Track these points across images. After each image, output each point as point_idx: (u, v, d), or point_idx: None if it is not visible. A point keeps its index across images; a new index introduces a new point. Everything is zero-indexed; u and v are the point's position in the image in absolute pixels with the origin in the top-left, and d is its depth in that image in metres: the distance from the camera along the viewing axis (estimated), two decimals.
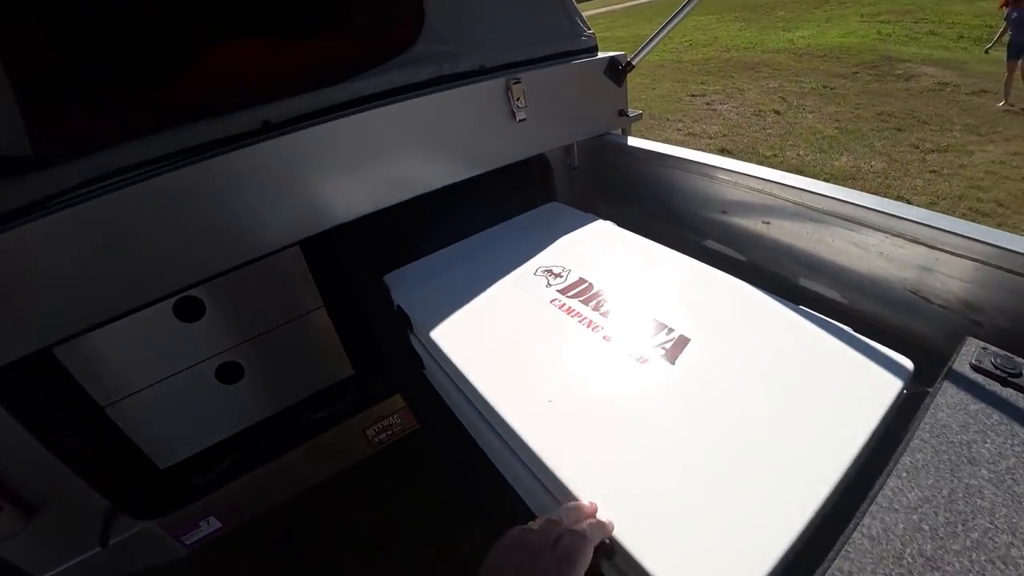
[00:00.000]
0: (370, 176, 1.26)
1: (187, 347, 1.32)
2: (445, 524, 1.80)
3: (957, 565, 0.56)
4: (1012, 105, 6.82)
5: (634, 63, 1.54)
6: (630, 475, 0.68)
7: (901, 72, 9.06)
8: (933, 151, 5.61)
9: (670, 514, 0.63)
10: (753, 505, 0.63)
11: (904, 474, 0.65)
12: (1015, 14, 6.64)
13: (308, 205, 1.20)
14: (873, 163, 5.39)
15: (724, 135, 6.51)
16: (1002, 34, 6.94)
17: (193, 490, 1.48)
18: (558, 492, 0.70)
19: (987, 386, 0.77)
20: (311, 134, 1.15)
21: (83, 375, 1.20)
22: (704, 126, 6.85)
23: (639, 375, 0.82)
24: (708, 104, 7.64)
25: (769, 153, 5.91)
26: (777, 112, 7.01)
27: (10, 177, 0.95)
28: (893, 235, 1.02)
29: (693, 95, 8.13)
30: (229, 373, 1.41)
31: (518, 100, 1.37)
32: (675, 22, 1.39)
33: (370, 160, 1.25)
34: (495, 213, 1.44)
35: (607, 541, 0.61)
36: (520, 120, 1.40)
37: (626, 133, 1.66)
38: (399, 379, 1.64)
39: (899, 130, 6.26)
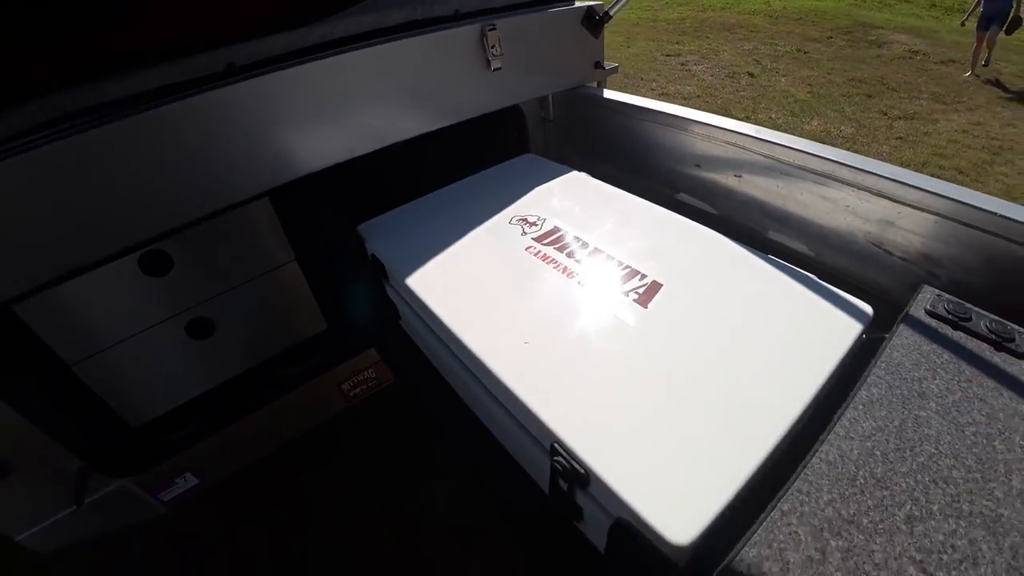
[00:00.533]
0: (340, 124, 1.23)
1: (155, 302, 1.29)
2: (421, 476, 1.84)
3: (903, 485, 0.61)
4: (978, 76, 7.00)
5: (612, 13, 1.52)
6: (604, 410, 0.71)
7: (874, 38, 9.15)
8: (900, 118, 5.75)
9: (642, 445, 0.66)
10: (720, 435, 0.67)
11: (860, 407, 0.70)
12: None
13: (276, 153, 1.17)
14: (843, 128, 5.50)
15: (698, 96, 6.51)
16: (976, 6, 7.03)
17: (168, 447, 1.46)
18: (536, 431, 0.73)
19: (939, 329, 0.82)
20: (278, 78, 1.11)
21: (47, 333, 1.16)
22: (678, 87, 6.83)
23: (612, 318, 0.84)
24: (683, 64, 7.60)
25: (742, 115, 5.95)
26: (751, 74, 7.03)
27: None
28: (859, 189, 1.06)
29: (668, 55, 8.06)
30: (200, 328, 1.39)
31: (493, 48, 1.34)
32: None
33: (340, 107, 1.21)
34: (469, 164, 1.43)
35: (582, 472, 0.64)
36: (495, 69, 1.37)
37: (602, 86, 1.65)
38: (373, 332, 1.64)
39: (869, 96, 6.38)
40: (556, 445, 0.67)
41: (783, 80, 6.87)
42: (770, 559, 0.54)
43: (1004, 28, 6.73)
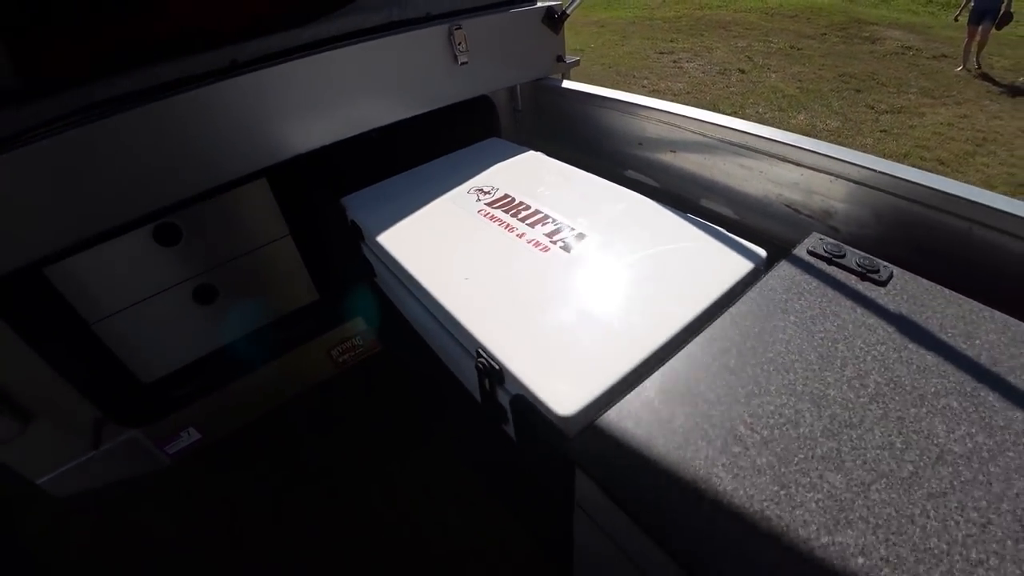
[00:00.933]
0: (327, 111, 1.42)
1: (166, 269, 1.48)
2: (409, 441, 2.04)
3: (750, 372, 0.79)
4: (969, 70, 7.12)
5: (568, 11, 1.71)
6: (519, 324, 0.89)
7: (868, 35, 9.29)
8: (887, 112, 5.89)
9: (546, 345, 0.85)
10: (613, 338, 0.85)
11: (729, 318, 0.87)
12: None
13: (271, 136, 1.36)
14: (828, 122, 5.65)
15: (688, 92, 6.69)
16: (968, 1, 7.16)
17: (173, 402, 1.66)
18: (466, 341, 0.91)
19: (815, 265, 0.99)
20: (274, 73, 1.30)
21: (71, 293, 1.36)
22: (669, 83, 7.01)
23: (540, 260, 1.02)
24: (675, 62, 7.78)
25: (729, 111, 6.12)
26: (742, 71, 7.20)
27: (2, 108, 1.09)
28: (771, 157, 1.24)
29: (661, 52, 8.25)
30: (205, 294, 1.58)
31: (459, 45, 1.53)
32: None
33: (327, 97, 1.41)
34: (443, 147, 1.61)
35: (497, 368, 0.82)
36: (462, 63, 1.56)
37: (565, 77, 1.83)
38: (359, 301, 1.82)
39: (858, 91, 6.53)
40: (479, 350, 0.85)
41: (773, 76, 7.03)
42: (628, 419, 0.72)
43: (995, 23, 6.85)
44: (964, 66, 7.21)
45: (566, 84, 1.74)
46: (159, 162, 1.23)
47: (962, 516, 0.59)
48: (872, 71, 7.32)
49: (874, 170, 1.08)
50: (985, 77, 6.97)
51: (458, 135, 1.67)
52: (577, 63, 1.86)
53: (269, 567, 1.73)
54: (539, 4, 1.69)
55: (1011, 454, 0.64)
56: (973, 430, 0.67)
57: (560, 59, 1.80)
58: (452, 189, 1.32)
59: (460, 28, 1.49)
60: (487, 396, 0.89)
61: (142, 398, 1.61)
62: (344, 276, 1.75)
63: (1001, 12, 6.80)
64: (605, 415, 0.72)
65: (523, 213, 1.17)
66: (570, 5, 1.67)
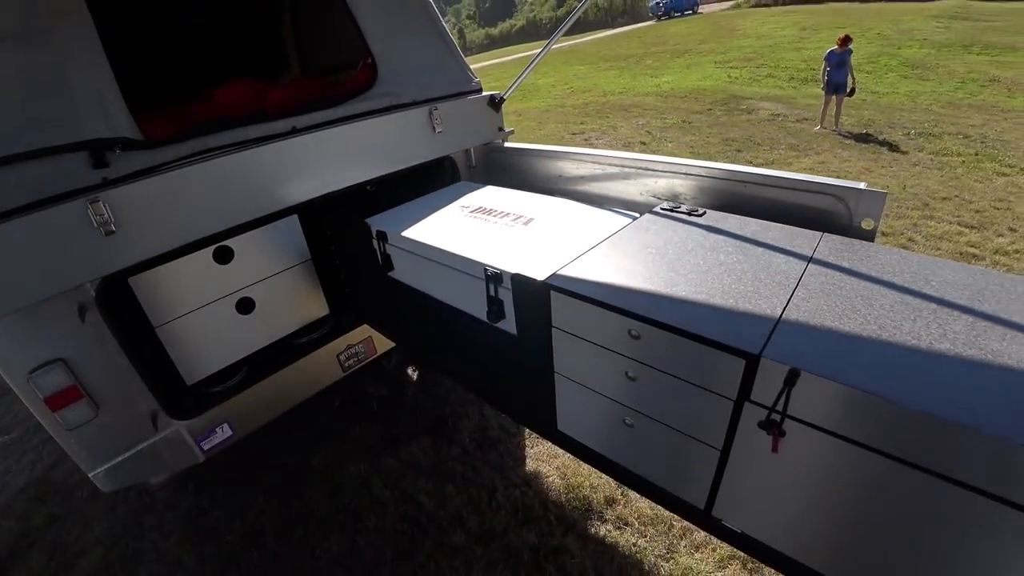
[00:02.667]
0: (345, 165, 2.20)
1: (219, 283, 2.12)
2: (404, 432, 2.67)
3: (631, 251, 1.57)
4: (825, 128, 8.98)
5: (505, 97, 2.63)
6: (507, 256, 1.64)
7: (745, 107, 11.34)
8: (762, 164, 7.37)
9: (518, 259, 1.59)
10: (560, 251, 1.61)
11: (617, 237, 1.67)
12: (834, 58, 8.85)
13: (302, 183, 2.11)
14: None
15: None
16: (824, 76, 9.13)
17: (212, 397, 2.20)
18: (476, 272, 1.64)
19: (664, 213, 1.82)
20: (308, 139, 2.09)
21: (145, 301, 1.95)
22: None
23: (511, 229, 1.81)
24: (586, 140, 9.25)
25: None
26: (643, 143, 8.70)
27: (133, 151, 1.76)
28: (643, 171, 2.12)
29: (574, 133, 9.75)
30: (245, 305, 2.22)
31: (436, 120, 2.39)
32: (532, 65, 2.49)
33: (345, 155, 2.20)
34: (425, 190, 2.41)
35: (497, 272, 1.56)
36: (438, 132, 2.41)
37: (504, 141, 2.72)
38: (371, 313, 2.50)
39: (739, 151, 8.08)
40: (486, 269, 1.59)
41: (670, 145, 8.54)
42: (570, 273, 1.48)
43: (847, 93, 8.84)
44: (821, 125, 9.09)
45: (506, 145, 2.63)
46: (222, 197, 1.92)
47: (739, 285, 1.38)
48: (750, 135, 9.03)
49: (696, 166, 1.97)
50: (838, 133, 8.79)
51: (432, 184, 2.48)
52: (512, 132, 2.77)
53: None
54: (485, 93, 2.60)
55: (764, 275, 1.44)
56: (747, 266, 1.48)
57: (500, 129, 2.70)
58: (444, 207, 2.11)
59: (437, 109, 2.36)
60: (492, 299, 1.62)
61: (186, 397, 2.16)
62: (356, 302, 2.42)
63: (849, 86, 8.80)
64: (557, 273, 1.47)
65: (494, 213, 1.97)
66: (506, 92, 2.59)
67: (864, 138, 8.57)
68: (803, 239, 1.53)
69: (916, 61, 15.87)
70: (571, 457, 2.69)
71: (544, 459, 2.71)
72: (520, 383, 1.75)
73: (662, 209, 1.85)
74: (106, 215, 1.64)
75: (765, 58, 17.09)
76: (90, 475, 1.93)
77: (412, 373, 3.46)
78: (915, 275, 1.29)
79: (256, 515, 2.59)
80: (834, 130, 8.93)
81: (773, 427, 1.05)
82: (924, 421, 0.87)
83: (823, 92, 9.17)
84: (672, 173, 2.02)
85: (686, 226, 1.71)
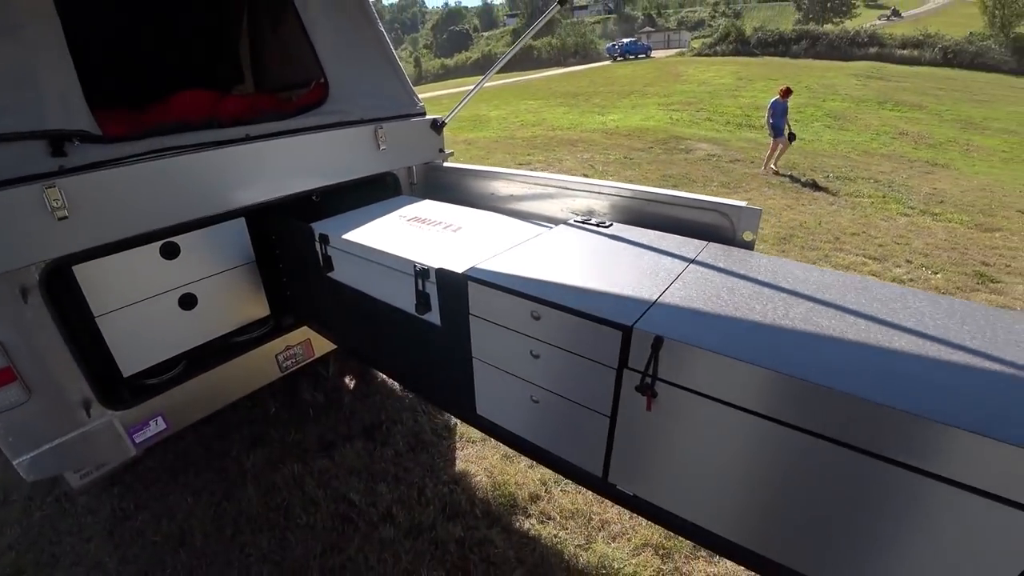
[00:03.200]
0: (293, 174, 2.38)
1: (164, 278, 2.22)
2: (338, 435, 2.79)
3: (541, 255, 1.81)
4: (774, 169, 9.77)
5: (446, 121, 2.87)
6: (434, 255, 1.85)
7: (683, 147, 12.13)
8: None
9: (444, 256, 1.80)
10: (479, 249, 1.83)
11: (532, 244, 1.91)
12: (779, 107, 9.66)
13: (251, 188, 2.27)
14: None
15: None
16: (771, 119, 9.92)
17: (148, 389, 2.26)
18: (406, 268, 1.84)
19: (575, 225, 2.08)
20: (260, 146, 2.25)
21: (88, 290, 2.02)
22: None
23: (441, 236, 2.03)
24: (531, 170, 9.68)
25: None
26: (585, 175, 9.19)
27: (90, 143, 1.89)
28: (563, 190, 2.38)
29: (520, 163, 10.19)
30: (188, 301, 2.32)
31: (381, 138, 2.60)
32: (470, 96, 2.74)
33: (294, 164, 2.37)
34: (367, 202, 2.60)
35: (425, 268, 1.77)
36: (382, 149, 2.63)
37: (444, 161, 2.96)
38: (310, 314, 2.64)
39: (675, 185, 8.67)
40: (415, 265, 1.79)
41: (611, 178, 9.05)
42: (485, 267, 1.69)
43: (788, 138, 9.65)
44: (765, 167, 9.88)
45: (445, 164, 2.87)
46: (173, 195, 2.07)
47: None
48: (686, 172, 9.69)
49: (608, 186, 2.25)
50: (775, 174, 9.57)
51: (374, 197, 2.67)
52: (452, 154, 3.02)
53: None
54: (428, 116, 2.84)
55: (650, 271, 1.70)
56: (637, 265, 1.74)
57: (441, 151, 2.94)
58: (383, 216, 2.32)
59: (382, 127, 2.58)
60: (420, 292, 1.82)
61: (123, 385, 2.22)
62: (296, 304, 2.57)
63: (787, 132, 9.62)
64: (475, 267, 1.68)
65: (427, 222, 2.20)
66: (447, 117, 2.84)
67: (789, 179, 9.36)
68: (691, 246, 1.82)
69: (838, 113, 17.39)
70: (499, 457, 2.87)
71: (473, 460, 2.87)
72: (444, 371, 1.94)
73: (574, 221, 2.11)
74: (61, 200, 1.75)
75: (705, 103, 18.33)
76: (15, 462, 1.94)
77: (349, 382, 3.57)
78: (775, 273, 1.59)
79: (185, 516, 2.61)
80: (775, 172, 9.72)
81: (646, 389, 1.29)
82: (764, 375, 1.12)
83: (771, 138, 9.97)
84: (589, 192, 2.30)
85: (593, 235, 1.97)
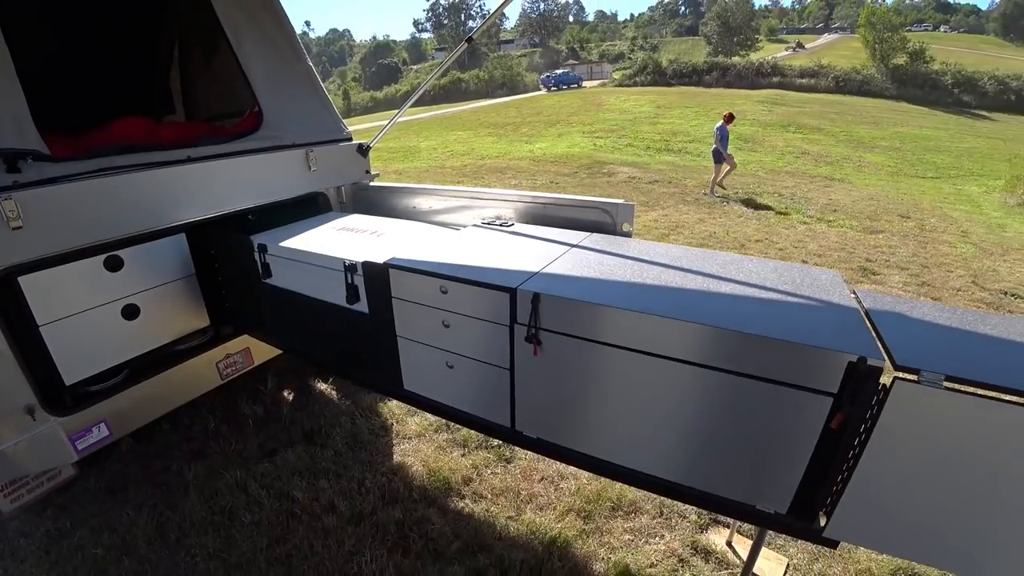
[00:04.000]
0: (231, 193, 2.62)
1: (107, 289, 2.39)
2: (278, 442, 2.98)
3: (462, 244, 2.14)
4: (724, 190, 10.66)
5: (371, 146, 3.20)
6: (361, 253, 2.14)
7: (606, 171, 12.92)
8: None
9: (370, 251, 2.11)
10: (398, 247, 2.15)
11: (427, 245, 2.24)
12: (719, 133, 10.53)
13: (192, 205, 2.50)
14: None
15: None
16: (717, 143, 10.78)
17: (89, 396, 2.40)
18: (337, 266, 2.12)
19: (484, 226, 2.43)
20: (200, 167, 2.49)
21: (33, 300, 2.16)
22: None
23: (369, 242, 2.33)
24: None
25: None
26: None
27: (42, 162, 2.08)
28: (477, 199, 2.74)
29: None
30: (131, 312, 2.49)
31: (312, 160, 2.90)
32: (395, 119, 3.09)
33: (232, 184, 2.62)
34: (301, 219, 2.86)
35: (353, 263, 2.06)
36: (313, 171, 2.92)
37: (370, 182, 3.28)
38: (248, 322, 2.85)
39: None
40: (344, 263, 2.08)
41: None
42: (402, 257, 2.01)
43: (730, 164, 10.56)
44: (711, 192, 10.74)
45: (371, 184, 3.19)
46: (118, 210, 2.27)
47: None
48: (608, 194, 10.38)
49: (511, 195, 2.63)
50: (718, 194, 10.41)
51: (307, 215, 2.94)
52: (378, 175, 3.34)
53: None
54: (355, 141, 3.16)
55: (537, 253, 2.07)
56: (528, 249, 2.09)
57: (367, 172, 3.26)
58: (316, 227, 2.60)
59: (313, 151, 2.87)
60: (349, 285, 2.10)
61: (66, 392, 2.35)
62: (236, 315, 2.78)
63: (726, 157, 10.51)
64: (394, 258, 1.99)
65: (355, 230, 2.50)
66: (372, 141, 3.17)
67: (702, 196, 10.23)
68: (576, 236, 2.21)
69: (747, 136, 18.92)
70: (433, 449, 3.14)
71: (409, 453, 3.12)
72: (374, 354, 2.22)
73: (481, 223, 2.47)
74: (16, 211, 1.93)
75: (626, 130, 19.52)
76: None
77: (288, 395, 3.73)
78: (640, 251, 1.99)
79: (127, 527, 2.70)
80: (716, 194, 10.56)
81: (532, 339, 1.63)
82: (619, 315, 1.49)
83: (714, 161, 10.81)
84: (496, 201, 2.68)
85: (496, 232, 2.34)
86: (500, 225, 2.42)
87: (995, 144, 21.88)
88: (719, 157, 10.64)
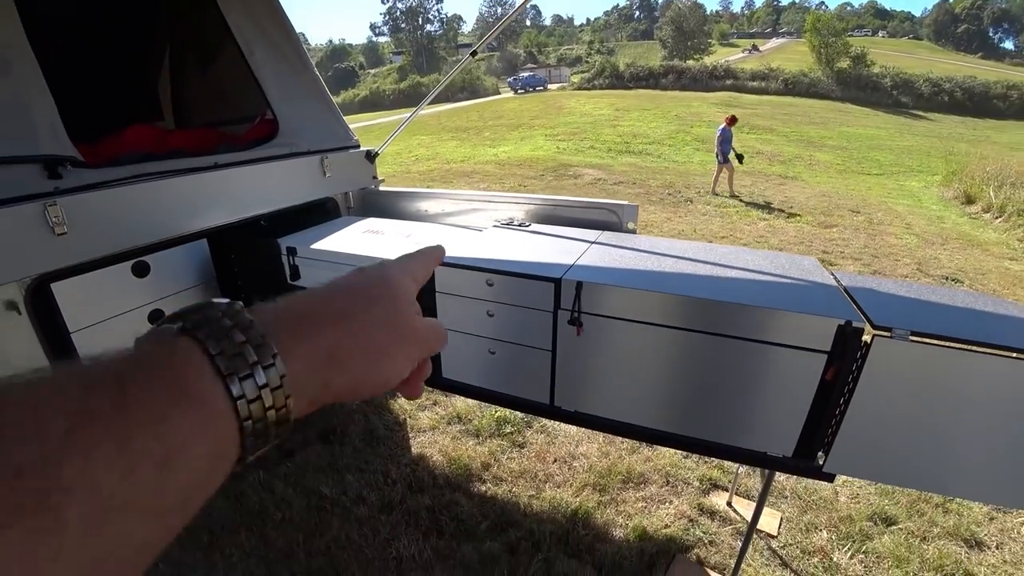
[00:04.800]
0: (253, 198, 2.82)
1: (134, 296, 2.53)
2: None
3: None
4: (719, 194, 11.15)
5: (379, 153, 3.45)
6: (398, 251, 2.41)
7: (572, 173, 13.37)
8: None
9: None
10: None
11: (461, 242, 2.53)
12: (726, 134, 11.03)
13: (215, 211, 2.68)
14: None
15: None
16: (719, 146, 11.27)
17: None
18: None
19: (503, 227, 2.73)
20: (219, 174, 2.68)
21: (65, 307, 2.25)
22: None
23: (393, 240, 2.58)
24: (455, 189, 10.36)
25: None
26: None
27: (79, 168, 2.21)
28: (484, 202, 3.03)
29: None
30: (156, 317, 2.65)
31: (326, 167, 3.12)
32: (404, 125, 3.34)
33: (252, 190, 2.82)
34: (309, 225, 3.08)
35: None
36: (328, 176, 3.14)
37: (377, 187, 3.52)
38: None
39: None
40: None
41: None
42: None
43: (738, 160, 11.04)
44: (713, 191, 11.23)
45: (380, 189, 3.43)
46: (148, 216, 2.40)
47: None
48: (577, 195, 10.80)
49: (524, 198, 2.93)
50: (733, 196, 10.90)
51: (315, 220, 3.15)
52: (384, 180, 3.58)
53: None
54: (362, 148, 3.40)
55: (565, 249, 2.37)
56: (555, 247, 2.40)
57: (374, 178, 3.50)
58: (339, 230, 2.82)
59: (327, 158, 3.10)
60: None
61: None
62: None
63: (737, 153, 11.02)
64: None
65: (381, 232, 2.75)
66: (380, 149, 3.41)
67: (667, 196, 10.77)
68: (591, 234, 2.53)
69: (705, 137, 19.75)
70: (449, 439, 3.40)
71: (427, 445, 3.37)
72: None
73: (501, 223, 2.76)
74: (61, 217, 2.06)
75: (587, 133, 20.13)
76: None
77: None
78: (652, 245, 2.33)
79: None
80: (730, 195, 11.06)
81: (575, 322, 1.93)
82: (652, 296, 1.81)
83: (717, 162, 11.33)
84: (508, 203, 2.97)
85: (517, 232, 2.63)
86: (518, 226, 2.71)
87: (932, 142, 23.61)
88: (724, 158, 11.12)
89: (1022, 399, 1.51)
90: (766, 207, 10.22)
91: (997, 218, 10.41)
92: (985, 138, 26.39)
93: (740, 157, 11.35)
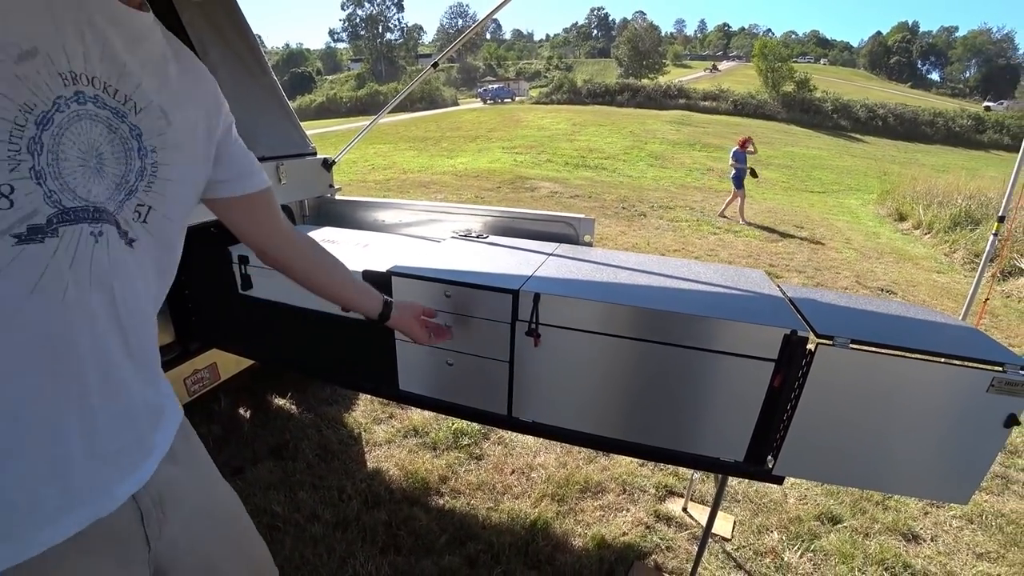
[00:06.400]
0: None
1: None
2: (245, 459, 3.09)
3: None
4: (729, 218, 11.17)
5: (336, 161, 3.41)
6: (356, 261, 2.39)
7: (529, 186, 13.50)
8: None
9: (368, 263, 2.36)
10: (389, 258, 2.41)
11: (419, 253, 2.53)
12: (741, 157, 11.15)
13: None
14: None
15: None
16: (733, 169, 11.31)
17: None
18: None
19: (461, 239, 2.74)
20: None
21: None
22: None
23: (350, 250, 2.55)
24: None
25: None
26: None
27: None
28: (441, 213, 3.04)
29: None
30: None
31: (282, 174, 3.06)
32: (363, 134, 3.31)
33: None
34: None
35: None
36: (283, 183, 3.08)
37: (333, 195, 3.47)
38: (219, 335, 2.95)
39: None
40: None
41: None
42: (401, 264, 2.28)
43: (752, 174, 11.16)
44: (721, 214, 11.28)
45: (336, 197, 3.39)
46: None
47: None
48: (533, 208, 10.91)
49: (481, 209, 2.95)
50: (746, 223, 11.09)
51: None
52: (340, 189, 3.54)
53: None
54: (319, 156, 3.35)
55: (523, 261, 2.40)
56: (513, 258, 2.42)
57: (331, 186, 3.45)
58: None
59: (283, 165, 3.04)
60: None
61: None
62: (205, 329, 2.89)
63: (749, 172, 11.12)
64: (396, 265, 2.25)
65: (337, 241, 2.71)
66: (337, 157, 3.38)
67: (621, 210, 11.01)
68: (548, 246, 2.57)
69: (658, 154, 20.35)
70: (406, 452, 3.35)
71: (383, 459, 3.31)
72: (368, 359, 2.43)
73: (459, 235, 2.77)
74: None
75: (544, 146, 20.41)
76: None
77: (245, 412, 3.79)
78: (607, 258, 2.38)
79: None
80: (741, 221, 10.94)
81: (533, 332, 1.95)
82: (605, 307, 1.85)
83: (732, 187, 11.30)
84: (467, 215, 2.98)
85: (475, 243, 2.64)
86: (476, 237, 2.73)
87: (868, 163, 25.02)
88: (739, 182, 11.10)
89: (949, 400, 1.62)
90: (783, 234, 10.57)
91: (926, 234, 11.11)
92: (915, 160, 28.13)
93: (754, 173, 11.38)
